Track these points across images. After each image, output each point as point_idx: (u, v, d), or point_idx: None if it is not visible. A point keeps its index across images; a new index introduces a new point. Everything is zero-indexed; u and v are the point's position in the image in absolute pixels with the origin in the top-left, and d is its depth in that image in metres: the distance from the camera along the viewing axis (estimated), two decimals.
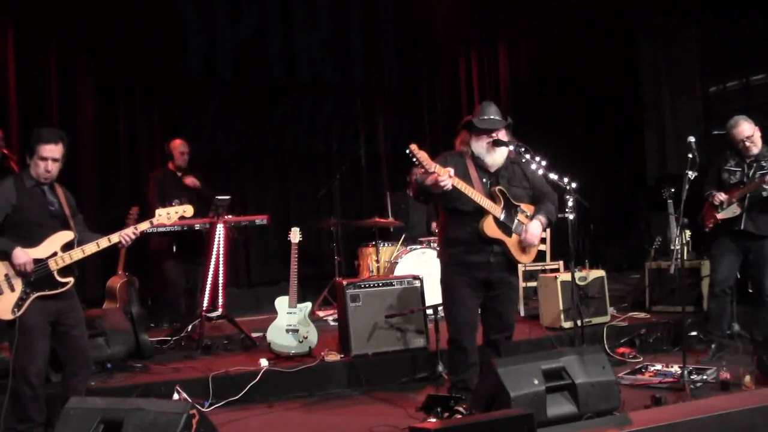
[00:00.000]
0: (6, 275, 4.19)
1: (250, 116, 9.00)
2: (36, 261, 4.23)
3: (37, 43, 7.75)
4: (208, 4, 8.79)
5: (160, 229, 6.44)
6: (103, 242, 4.36)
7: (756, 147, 5.77)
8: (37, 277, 4.23)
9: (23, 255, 4.18)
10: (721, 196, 5.80)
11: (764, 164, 5.76)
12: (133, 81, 8.30)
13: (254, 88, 8.97)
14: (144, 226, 4.48)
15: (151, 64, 8.30)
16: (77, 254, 4.32)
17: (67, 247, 4.33)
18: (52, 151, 4.31)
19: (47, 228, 4.33)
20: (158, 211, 4.52)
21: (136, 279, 6.89)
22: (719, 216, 5.84)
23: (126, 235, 4.39)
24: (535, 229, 4.64)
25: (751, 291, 6.24)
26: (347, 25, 9.59)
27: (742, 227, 5.76)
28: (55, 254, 4.29)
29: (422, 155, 4.30)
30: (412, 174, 8.03)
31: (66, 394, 4.21)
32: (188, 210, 4.59)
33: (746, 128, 5.75)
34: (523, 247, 4.66)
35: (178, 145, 7.20)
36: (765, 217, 5.74)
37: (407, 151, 4.28)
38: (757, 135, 5.78)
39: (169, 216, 4.51)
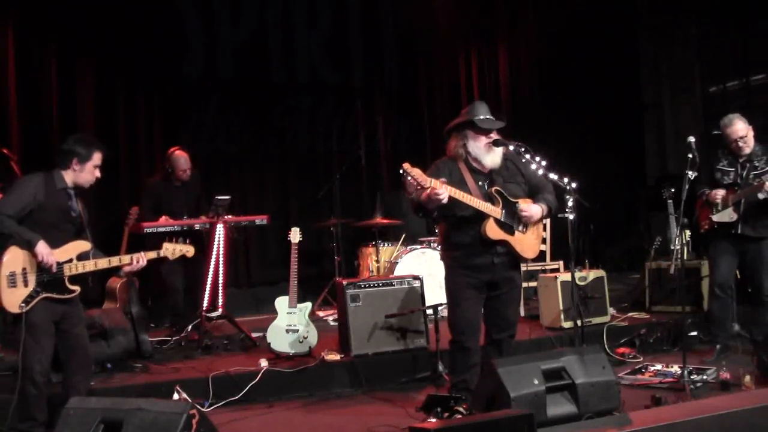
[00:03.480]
0: (23, 269, 4.27)
1: (250, 116, 8.99)
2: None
3: (37, 43, 7.74)
4: (208, 4, 8.79)
5: (160, 230, 6.45)
6: (115, 260, 4.53)
7: (748, 147, 5.74)
8: (50, 278, 4.32)
9: (46, 248, 4.26)
10: (720, 193, 5.76)
11: (757, 164, 5.73)
12: (133, 81, 8.29)
13: (254, 88, 8.97)
14: (150, 255, 4.63)
15: (151, 64, 8.30)
16: (89, 266, 4.44)
17: (82, 257, 4.44)
18: (102, 159, 4.56)
19: (64, 232, 4.43)
20: (165, 245, 4.75)
21: (136, 279, 6.87)
22: (715, 219, 5.81)
23: (137, 258, 4.54)
24: (534, 208, 4.65)
25: (750, 291, 6.23)
26: (347, 25, 9.59)
27: (739, 231, 5.73)
28: (70, 261, 4.39)
29: (416, 172, 4.31)
30: (407, 190, 8.07)
31: (66, 394, 4.23)
32: (190, 251, 4.87)
33: (740, 127, 5.73)
34: (525, 237, 4.64)
35: (181, 163, 6.93)
36: (761, 219, 5.71)
37: (401, 171, 4.34)
38: (751, 135, 5.75)
39: (174, 252, 4.75)
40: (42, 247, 4.25)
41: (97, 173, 4.55)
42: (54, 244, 4.34)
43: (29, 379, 4.29)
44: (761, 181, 5.57)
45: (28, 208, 4.31)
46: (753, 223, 5.71)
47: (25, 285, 4.27)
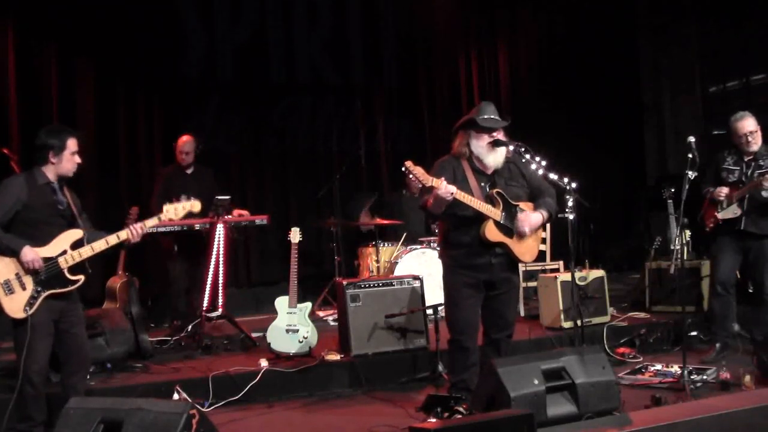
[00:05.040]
0: (17, 274, 4.22)
1: (250, 116, 9.00)
2: (46, 259, 4.26)
3: (37, 43, 7.74)
4: (208, 4, 8.79)
5: (161, 229, 6.44)
6: (112, 239, 4.40)
7: (756, 144, 5.77)
8: (48, 275, 4.27)
9: (31, 253, 4.21)
10: (724, 190, 5.78)
11: (762, 163, 5.76)
12: (133, 81, 8.30)
13: (254, 88, 8.97)
14: (152, 222, 4.50)
15: (151, 64, 8.31)
16: (87, 252, 4.36)
17: (77, 245, 4.36)
18: (77, 144, 4.45)
19: (55, 227, 4.36)
20: (166, 207, 4.53)
21: (136, 279, 6.87)
22: (719, 216, 5.83)
23: (134, 229, 4.41)
24: (534, 217, 4.65)
25: (751, 291, 6.23)
26: (347, 25, 9.59)
27: (742, 227, 5.75)
28: (64, 252, 4.32)
29: (418, 171, 4.32)
30: (410, 189, 8.11)
31: (65, 394, 4.23)
32: (196, 206, 4.60)
33: (750, 123, 5.76)
34: (523, 240, 4.65)
35: (180, 145, 7.06)
36: (765, 217, 5.73)
37: (403, 168, 4.35)
38: (759, 133, 5.78)
39: (177, 211, 4.52)
40: (26, 253, 4.19)
41: (77, 159, 4.45)
42: (46, 240, 4.29)
43: (27, 380, 4.26)
44: (762, 178, 5.57)
45: (13, 211, 4.26)
46: (756, 220, 5.72)
47: (24, 288, 4.22)
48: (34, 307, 4.23)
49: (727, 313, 5.95)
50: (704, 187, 5.94)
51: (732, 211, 5.78)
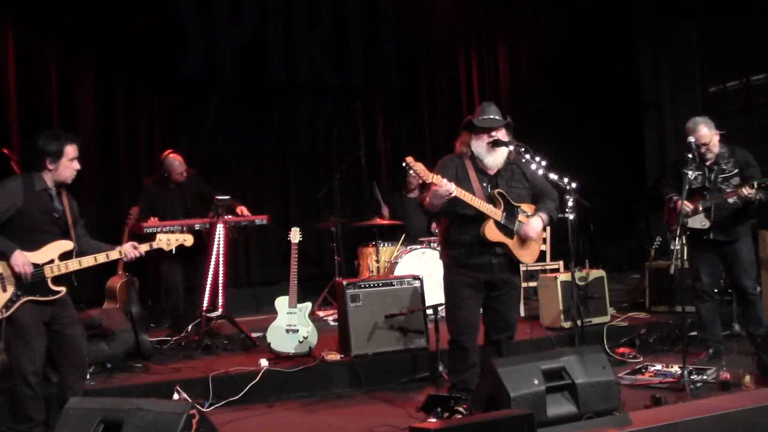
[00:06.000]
0: (1, 275, 4.18)
1: (250, 116, 9.00)
2: (33, 266, 4.23)
3: (37, 43, 7.75)
4: (208, 4, 8.80)
5: (162, 229, 6.43)
6: (101, 257, 4.40)
7: (711, 152, 5.61)
8: (31, 281, 4.22)
9: (22, 257, 4.17)
10: (687, 207, 5.56)
11: (725, 167, 5.62)
12: (133, 81, 8.30)
13: (254, 88, 8.98)
14: (144, 248, 4.52)
15: (151, 64, 8.31)
16: (74, 265, 4.33)
17: (65, 256, 4.33)
18: (77, 150, 4.39)
19: (48, 234, 4.32)
20: (159, 236, 4.61)
21: (136, 279, 6.88)
22: (688, 224, 5.67)
23: (127, 252, 4.43)
24: (534, 222, 4.65)
25: (736, 292, 6.16)
26: (347, 25, 9.60)
27: (711, 237, 5.65)
28: (51, 262, 4.28)
29: (419, 167, 4.32)
30: (409, 188, 8.11)
31: (63, 394, 4.22)
32: (189, 239, 4.71)
33: (704, 133, 5.55)
34: (523, 242, 4.65)
35: (172, 165, 6.85)
36: (731, 224, 5.61)
37: (404, 164, 4.36)
38: (715, 140, 5.60)
39: (169, 242, 4.60)
40: (17, 257, 4.16)
41: (76, 165, 4.38)
42: (37, 246, 4.26)
43: (23, 381, 4.25)
44: (734, 190, 5.46)
45: (6, 216, 4.22)
46: (724, 227, 5.62)
47: (4, 290, 4.17)
48: (11, 311, 4.18)
49: (715, 317, 5.88)
50: (666, 190, 5.82)
51: (699, 222, 5.65)
